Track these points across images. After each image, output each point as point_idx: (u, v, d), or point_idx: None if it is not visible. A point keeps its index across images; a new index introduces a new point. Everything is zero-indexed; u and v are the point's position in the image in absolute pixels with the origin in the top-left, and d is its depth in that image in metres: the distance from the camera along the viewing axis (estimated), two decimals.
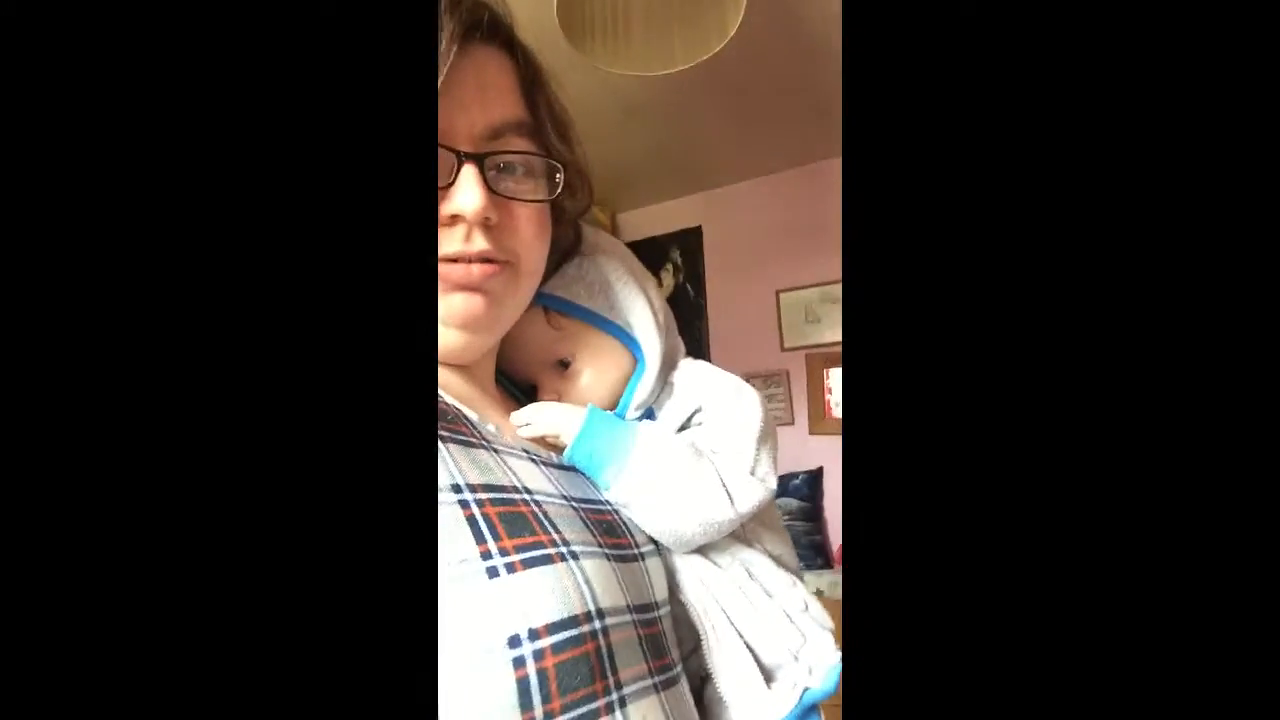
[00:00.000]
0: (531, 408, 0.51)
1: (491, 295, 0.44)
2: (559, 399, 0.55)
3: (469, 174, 0.41)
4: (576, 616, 0.35)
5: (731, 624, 0.49)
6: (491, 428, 0.45)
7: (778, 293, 2.52)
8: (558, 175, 0.46)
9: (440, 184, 0.40)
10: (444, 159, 0.41)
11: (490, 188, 0.42)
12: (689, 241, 2.73)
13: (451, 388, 0.46)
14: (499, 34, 0.45)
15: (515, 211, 0.44)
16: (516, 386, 0.59)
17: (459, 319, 0.44)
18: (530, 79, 0.47)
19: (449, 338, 0.45)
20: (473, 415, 0.44)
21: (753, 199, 2.61)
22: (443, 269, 0.42)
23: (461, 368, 0.49)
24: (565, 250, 0.54)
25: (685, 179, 2.63)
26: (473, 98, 0.42)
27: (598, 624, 0.36)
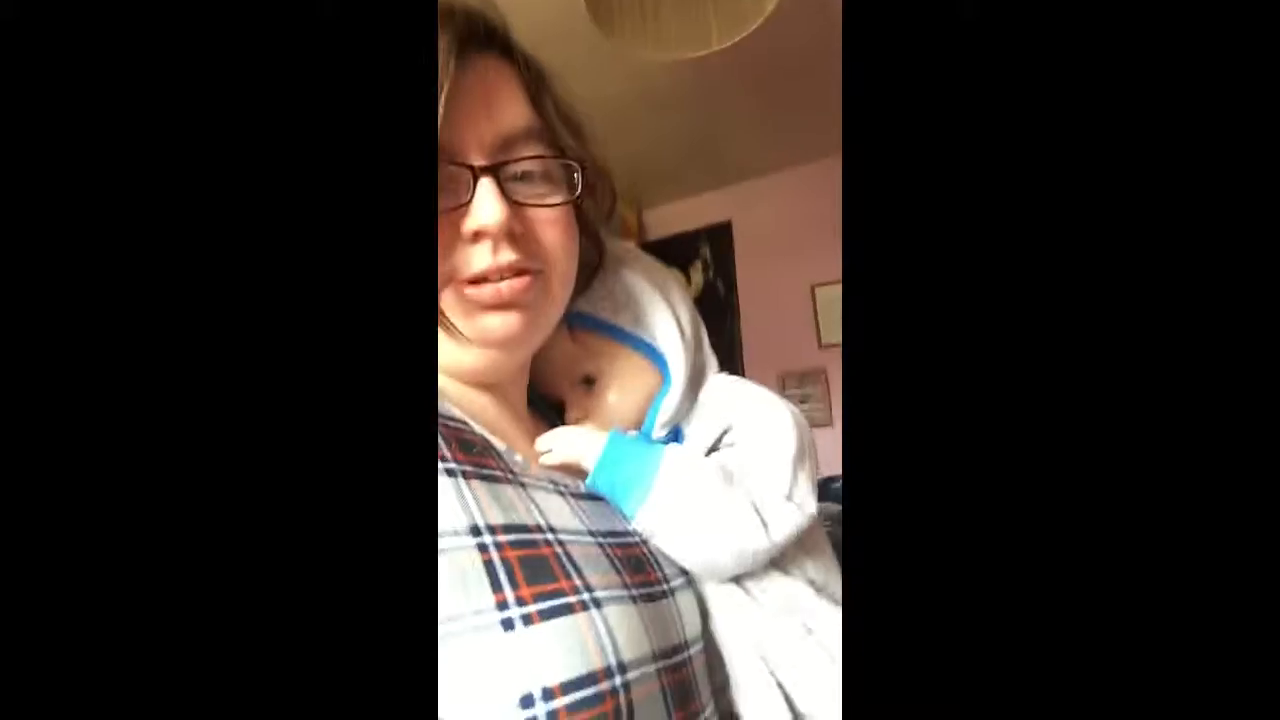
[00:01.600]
0: (553, 434, 0.48)
1: (527, 309, 0.43)
2: (585, 417, 0.53)
3: (486, 187, 0.40)
4: (595, 673, 0.33)
5: (763, 661, 0.45)
6: (519, 458, 0.43)
7: (813, 287, 2.43)
8: (576, 175, 0.45)
9: (458, 202, 0.40)
10: (458, 176, 0.40)
11: (509, 197, 0.41)
12: (718, 237, 2.65)
13: (482, 414, 0.45)
14: (496, 42, 0.44)
15: (539, 218, 0.44)
16: (549, 406, 0.57)
17: (496, 338, 0.43)
18: (535, 83, 0.46)
19: (482, 357, 0.44)
20: (501, 446, 0.42)
21: (785, 190, 2.53)
22: (472, 290, 0.41)
23: (493, 389, 0.48)
24: (590, 262, 0.52)
25: (714, 172, 2.55)
26: (479, 110, 0.41)
27: (618, 679, 0.34)
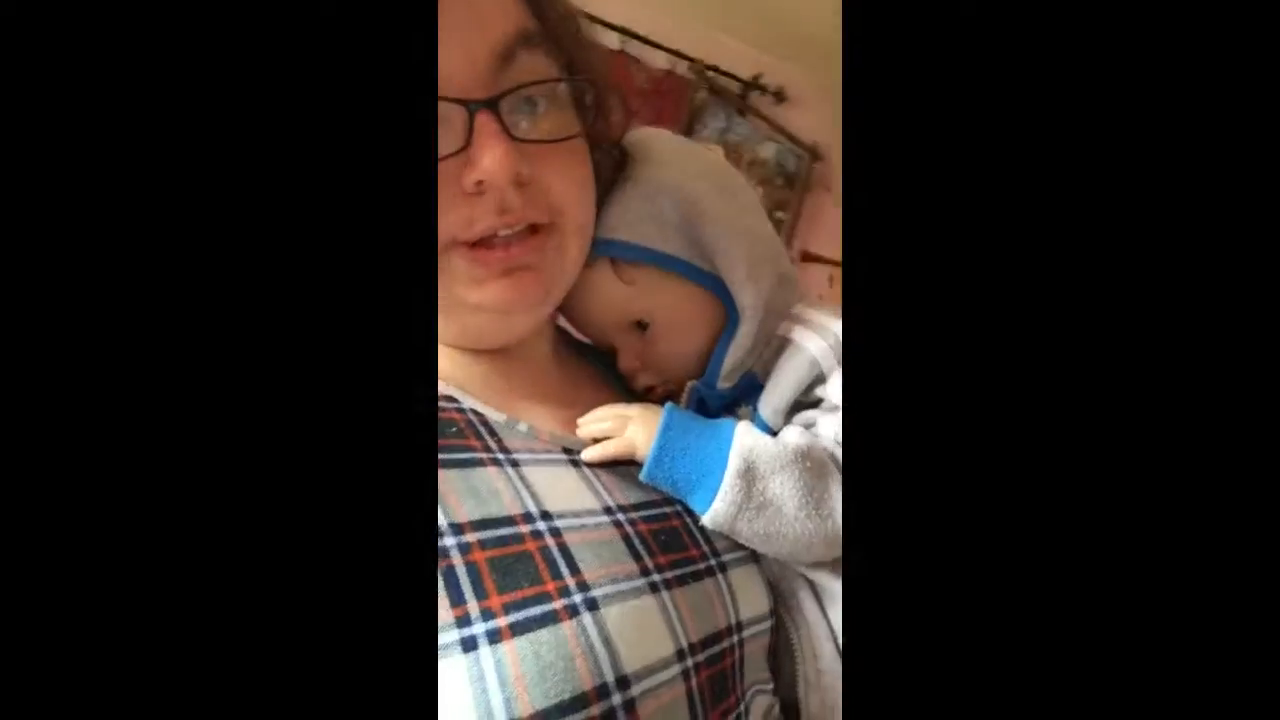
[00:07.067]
0: (594, 417, 0.41)
1: (539, 270, 0.38)
2: (641, 368, 0.46)
3: (486, 127, 0.33)
4: (584, 695, 0.27)
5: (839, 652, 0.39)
6: (523, 427, 0.38)
7: None
8: (588, 97, 0.38)
9: (454, 147, 0.33)
10: (451, 115, 0.33)
11: (513, 135, 0.34)
12: None
13: (484, 382, 0.40)
14: None
15: (550, 157, 0.37)
16: (601, 353, 0.51)
17: (508, 303, 0.37)
18: None
19: (496, 322, 0.38)
20: (499, 418, 0.37)
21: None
22: (480, 254, 0.36)
23: (505, 352, 0.42)
24: (608, 180, 0.44)
25: None
26: (464, 18, 0.33)
27: (616, 698, 0.28)
